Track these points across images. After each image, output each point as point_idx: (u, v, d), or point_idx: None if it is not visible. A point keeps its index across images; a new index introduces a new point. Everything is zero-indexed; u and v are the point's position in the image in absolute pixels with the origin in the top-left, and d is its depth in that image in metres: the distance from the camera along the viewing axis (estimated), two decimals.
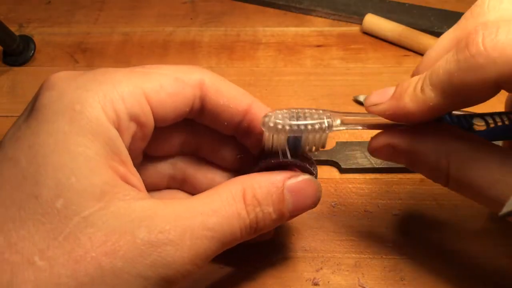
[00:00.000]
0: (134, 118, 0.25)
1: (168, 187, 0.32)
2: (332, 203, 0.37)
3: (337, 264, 0.33)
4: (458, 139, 0.26)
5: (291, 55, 0.49)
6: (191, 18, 0.54)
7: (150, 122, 0.26)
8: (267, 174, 0.27)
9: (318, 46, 0.51)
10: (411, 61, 0.48)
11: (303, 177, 0.28)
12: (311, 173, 0.29)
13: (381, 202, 0.37)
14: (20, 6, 0.57)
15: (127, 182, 0.24)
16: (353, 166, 0.39)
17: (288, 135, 0.27)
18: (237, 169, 0.32)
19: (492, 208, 0.25)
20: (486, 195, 0.25)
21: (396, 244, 0.34)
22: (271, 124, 0.26)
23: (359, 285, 0.32)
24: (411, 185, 0.38)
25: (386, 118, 0.27)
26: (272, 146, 0.27)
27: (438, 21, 0.52)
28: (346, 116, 0.28)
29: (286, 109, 0.27)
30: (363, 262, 0.33)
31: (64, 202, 0.21)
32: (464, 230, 0.35)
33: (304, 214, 0.36)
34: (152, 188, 0.31)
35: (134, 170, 0.25)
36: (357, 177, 0.38)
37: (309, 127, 0.26)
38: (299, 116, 0.26)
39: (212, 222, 0.24)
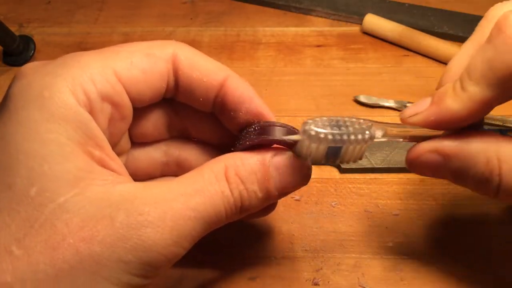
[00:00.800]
0: (107, 99, 0.24)
1: (163, 175, 0.32)
2: (332, 203, 0.37)
3: (337, 264, 0.33)
4: (506, 141, 0.25)
5: (291, 55, 0.49)
6: (191, 18, 0.54)
7: (125, 101, 0.25)
8: (252, 151, 0.26)
9: (318, 46, 0.51)
10: (411, 61, 0.48)
11: (290, 153, 0.26)
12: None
13: (381, 202, 0.37)
14: (20, 6, 0.57)
15: (104, 166, 0.23)
16: (353, 166, 0.39)
17: (329, 145, 0.25)
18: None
19: None
20: None
21: (396, 244, 0.34)
22: (313, 133, 0.24)
23: (359, 285, 0.32)
24: (411, 185, 0.38)
25: (427, 126, 0.26)
26: (308, 155, 0.25)
27: (438, 21, 0.52)
28: (387, 126, 0.26)
29: (325, 116, 0.25)
30: (363, 262, 0.33)
31: (38, 190, 0.21)
32: (464, 230, 0.35)
33: (304, 214, 0.36)
34: (146, 177, 0.31)
35: (112, 154, 0.24)
36: (357, 177, 0.38)
37: (352, 137, 0.24)
38: (340, 125, 0.25)
39: (195, 202, 0.23)
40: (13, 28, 0.49)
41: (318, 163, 0.26)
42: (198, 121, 0.30)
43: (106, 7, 0.56)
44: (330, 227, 0.35)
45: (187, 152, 0.31)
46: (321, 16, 0.54)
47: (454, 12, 0.53)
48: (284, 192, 0.27)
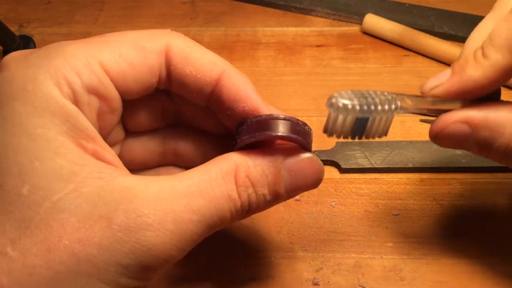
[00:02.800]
0: (93, 91, 0.23)
1: (160, 165, 0.30)
2: (332, 203, 0.37)
3: (337, 264, 0.33)
4: None
5: (291, 55, 0.49)
6: (191, 18, 0.54)
7: (113, 94, 0.24)
8: (264, 151, 0.24)
9: (318, 46, 0.51)
10: (411, 61, 0.48)
11: (305, 155, 0.25)
12: (308, 148, 0.25)
13: (381, 202, 0.37)
14: (20, 6, 0.57)
15: (99, 158, 0.22)
16: (353, 166, 0.39)
17: (358, 116, 0.24)
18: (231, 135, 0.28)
19: None
20: None
21: (396, 244, 0.34)
22: (340, 104, 0.23)
23: (359, 285, 0.32)
24: (411, 185, 0.38)
25: (449, 97, 0.25)
26: (336, 129, 0.25)
27: (438, 21, 0.52)
28: (407, 98, 0.26)
29: (349, 90, 0.24)
30: (363, 262, 0.33)
31: (30, 188, 0.20)
32: (464, 230, 0.35)
33: (304, 214, 0.36)
34: (142, 167, 0.30)
35: (105, 145, 0.23)
36: (357, 177, 0.38)
37: (379, 107, 0.24)
38: (366, 97, 0.24)
39: (198, 204, 0.22)
40: (13, 28, 0.49)
41: (344, 137, 0.25)
42: (194, 111, 0.28)
43: (106, 7, 0.56)
44: (330, 227, 0.35)
45: (184, 141, 0.29)
46: (321, 16, 0.54)
47: (454, 12, 0.53)
48: (293, 194, 0.25)
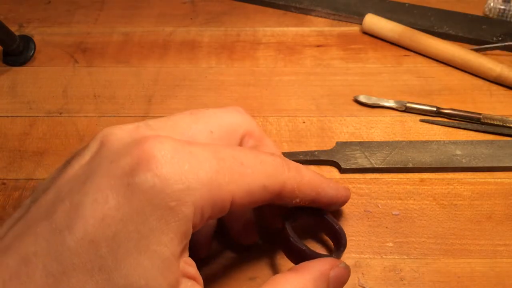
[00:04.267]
0: (213, 218, 0.24)
1: None
2: None
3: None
4: None
5: (291, 55, 0.49)
6: (191, 18, 0.54)
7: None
8: (314, 263, 0.27)
9: (318, 46, 0.51)
10: (411, 61, 0.48)
11: (342, 265, 0.28)
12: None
13: (381, 202, 0.37)
14: (20, 6, 0.57)
15: (185, 274, 0.23)
16: (353, 166, 0.39)
17: None
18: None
19: None
20: None
21: (396, 244, 0.34)
22: None
23: (359, 285, 0.32)
24: (411, 185, 0.38)
25: None
26: None
27: (438, 21, 0.52)
28: None
29: None
30: (363, 262, 0.33)
31: None
32: (464, 230, 0.35)
33: None
34: None
35: (191, 261, 0.24)
36: (357, 177, 0.38)
37: None
38: None
39: None
40: (13, 28, 0.49)
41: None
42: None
43: (106, 7, 0.56)
44: None
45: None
46: (321, 16, 0.54)
47: (454, 12, 0.53)
48: None
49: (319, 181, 0.29)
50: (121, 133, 0.24)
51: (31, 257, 0.21)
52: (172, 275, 0.22)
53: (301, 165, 0.28)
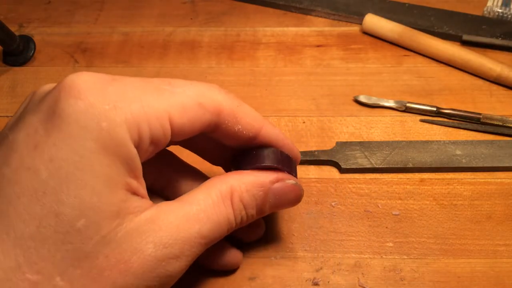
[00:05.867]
0: (155, 141, 0.24)
1: (151, 189, 0.32)
2: (332, 203, 0.37)
3: (337, 264, 0.33)
4: None
5: (291, 55, 0.49)
6: (191, 18, 0.54)
7: (165, 143, 0.25)
8: (255, 174, 0.28)
9: (318, 46, 0.51)
10: (411, 61, 0.48)
11: (289, 182, 0.29)
12: (292, 174, 0.29)
13: (381, 202, 0.37)
14: (20, 6, 0.57)
15: (136, 193, 0.24)
16: (353, 166, 0.39)
17: None
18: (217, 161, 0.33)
19: None
20: None
21: (396, 244, 0.34)
22: None
23: (359, 285, 0.32)
24: (411, 185, 0.38)
25: None
26: None
27: (438, 21, 0.52)
28: None
29: None
30: (363, 262, 0.33)
31: (85, 222, 0.21)
32: (464, 230, 0.35)
33: (304, 214, 0.36)
34: None
35: (143, 181, 0.25)
36: (357, 177, 0.38)
37: None
38: None
39: (207, 229, 0.25)
40: (13, 28, 0.49)
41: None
42: (206, 143, 0.31)
43: (106, 7, 0.56)
44: (330, 227, 0.35)
45: (178, 175, 0.32)
46: (321, 16, 0.54)
47: (454, 12, 0.53)
48: (272, 212, 0.29)
49: (260, 117, 0.29)
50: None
51: None
52: (121, 191, 0.23)
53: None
